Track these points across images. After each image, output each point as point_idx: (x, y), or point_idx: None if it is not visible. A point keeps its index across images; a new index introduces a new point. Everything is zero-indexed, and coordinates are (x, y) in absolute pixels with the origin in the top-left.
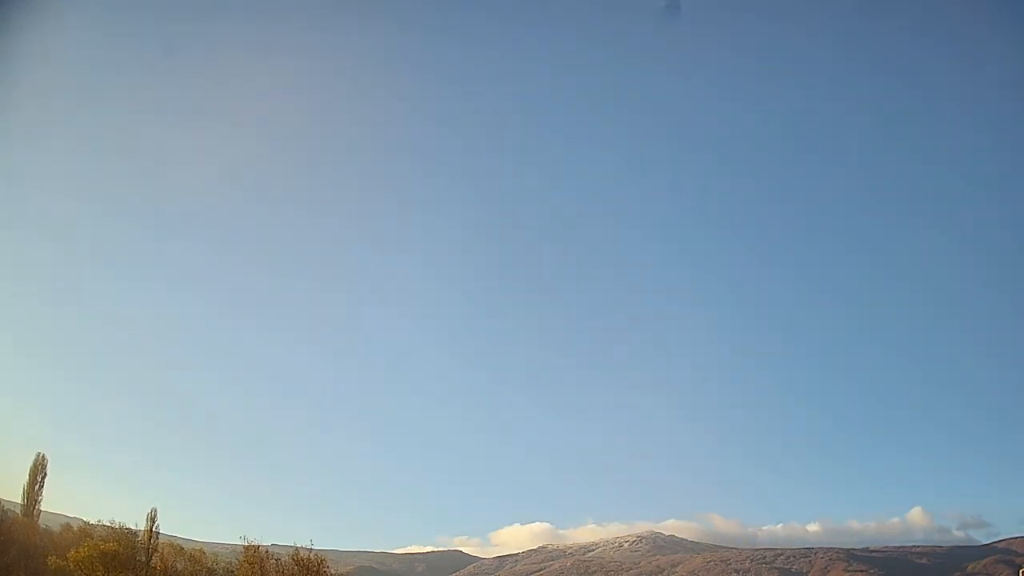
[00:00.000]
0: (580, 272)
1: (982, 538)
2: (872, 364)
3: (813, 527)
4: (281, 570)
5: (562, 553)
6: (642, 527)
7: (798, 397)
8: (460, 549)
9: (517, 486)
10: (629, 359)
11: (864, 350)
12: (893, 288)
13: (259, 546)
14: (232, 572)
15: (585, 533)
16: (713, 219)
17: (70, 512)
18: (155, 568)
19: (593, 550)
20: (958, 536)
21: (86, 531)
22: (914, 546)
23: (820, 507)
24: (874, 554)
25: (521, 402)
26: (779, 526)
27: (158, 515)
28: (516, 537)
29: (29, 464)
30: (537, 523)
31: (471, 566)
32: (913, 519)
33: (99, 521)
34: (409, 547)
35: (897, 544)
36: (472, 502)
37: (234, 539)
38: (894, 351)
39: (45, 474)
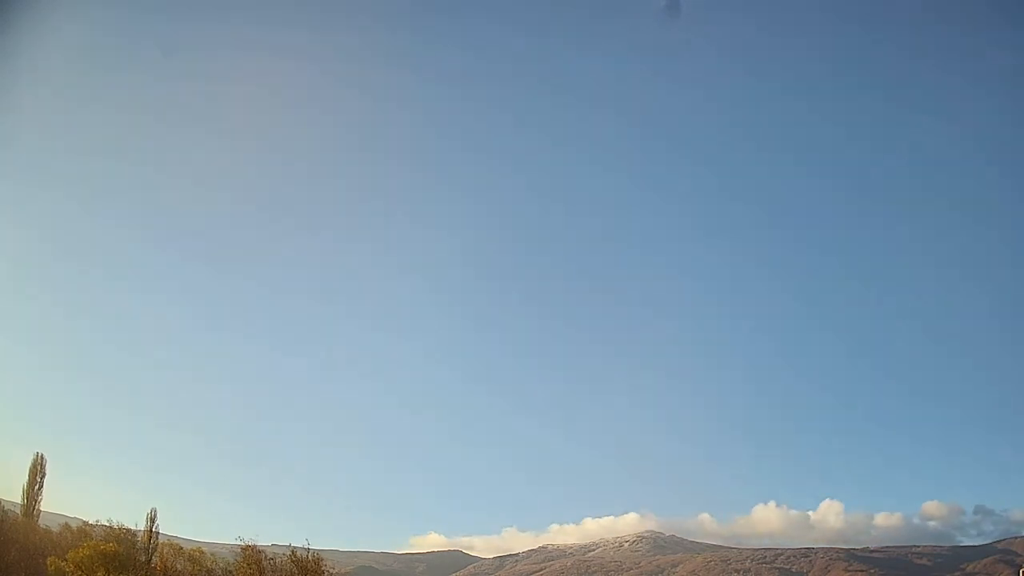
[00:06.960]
0: (578, 275)
1: (982, 538)
2: (872, 367)
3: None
4: (278, 570)
5: (562, 553)
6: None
7: (798, 399)
8: (460, 549)
9: (510, 488)
10: (625, 361)
11: (863, 353)
12: (884, 293)
13: (256, 546)
14: (231, 572)
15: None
16: (707, 225)
17: (70, 512)
18: (155, 568)
19: (593, 550)
20: (958, 536)
21: (86, 531)
22: (914, 546)
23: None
24: (874, 554)
25: (514, 406)
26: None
27: (158, 515)
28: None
29: (28, 464)
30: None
31: (471, 566)
32: (918, 518)
33: (98, 521)
34: (409, 547)
35: (897, 544)
36: (472, 502)
37: (233, 539)
38: (893, 357)
39: (44, 474)
